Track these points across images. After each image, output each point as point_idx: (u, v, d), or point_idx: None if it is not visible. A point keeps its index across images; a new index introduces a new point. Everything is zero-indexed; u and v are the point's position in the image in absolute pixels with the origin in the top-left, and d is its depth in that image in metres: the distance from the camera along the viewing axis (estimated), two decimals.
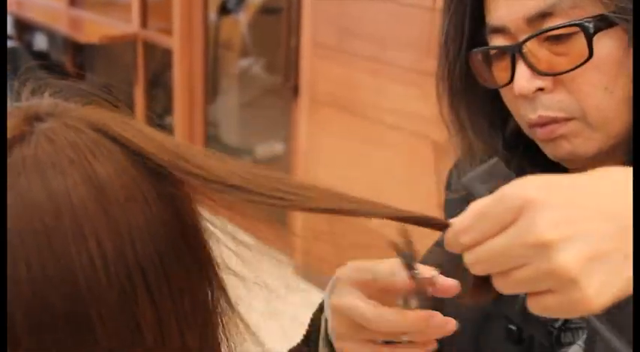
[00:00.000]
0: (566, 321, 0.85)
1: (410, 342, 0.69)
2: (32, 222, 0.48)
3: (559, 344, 0.85)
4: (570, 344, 0.85)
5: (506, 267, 0.57)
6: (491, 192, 0.58)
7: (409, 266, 0.66)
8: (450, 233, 0.60)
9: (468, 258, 0.59)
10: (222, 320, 0.57)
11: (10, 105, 0.55)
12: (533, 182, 0.57)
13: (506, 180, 0.72)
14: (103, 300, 0.49)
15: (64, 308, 0.48)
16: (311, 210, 0.56)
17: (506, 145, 0.91)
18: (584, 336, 0.84)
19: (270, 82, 4.16)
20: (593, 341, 0.81)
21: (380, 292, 0.70)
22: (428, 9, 2.28)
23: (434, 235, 0.68)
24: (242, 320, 0.58)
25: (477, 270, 0.59)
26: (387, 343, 0.71)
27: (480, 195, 0.60)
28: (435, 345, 0.70)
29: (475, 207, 0.59)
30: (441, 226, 0.61)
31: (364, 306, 0.69)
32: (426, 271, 0.68)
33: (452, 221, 0.60)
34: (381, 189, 2.71)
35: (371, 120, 2.99)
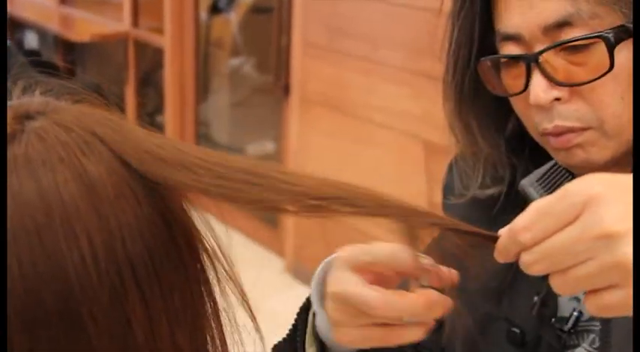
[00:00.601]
0: (575, 324, 0.85)
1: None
2: (23, 220, 0.48)
3: (564, 347, 0.85)
4: (575, 346, 0.85)
5: (567, 264, 0.56)
6: (548, 193, 0.58)
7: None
8: (505, 236, 0.60)
9: (526, 259, 0.58)
10: (212, 320, 0.57)
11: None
12: (595, 179, 0.57)
13: (564, 181, 0.71)
14: (94, 297, 0.49)
15: (57, 305, 0.48)
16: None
17: (508, 147, 0.91)
18: (590, 338, 0.84)
19: (261, 82, 4.17)
20: (608, 344, 0.81)
21: (377, 275, 0.70)
22: (419, 9, 2.29)
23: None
24: (232, 320, 0.58)
25: (535, 270, 0.58)
26: (385, 325, 0.70)
27: (535, 198, 0.59)
28: (433, 323, 0.69)
29: (536, 205, 0.58)
30: (491, 238, 0.61)
31: (369, 293, 0.69)
32: (425, 260, 0.69)
33: (502, 230, 0.60)
34: (372, 188, 2.71)
35: (362, 120, 3.00)
